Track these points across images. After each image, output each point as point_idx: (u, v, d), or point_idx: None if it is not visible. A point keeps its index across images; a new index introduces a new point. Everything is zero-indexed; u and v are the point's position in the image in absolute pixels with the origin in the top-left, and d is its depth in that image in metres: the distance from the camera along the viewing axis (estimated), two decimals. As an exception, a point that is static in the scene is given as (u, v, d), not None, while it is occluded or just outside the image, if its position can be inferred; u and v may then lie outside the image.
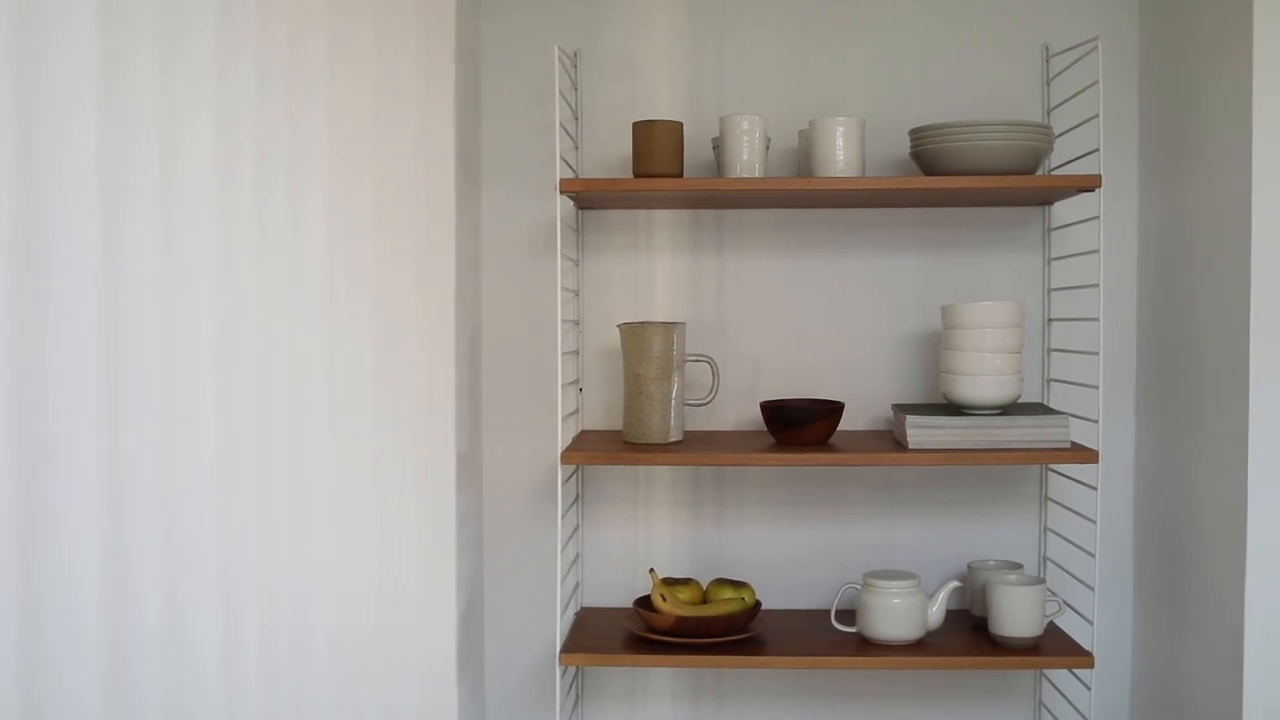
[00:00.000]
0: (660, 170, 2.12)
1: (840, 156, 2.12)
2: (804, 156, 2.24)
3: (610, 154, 2.41)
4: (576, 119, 2.41)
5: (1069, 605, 2.30)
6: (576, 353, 2.43)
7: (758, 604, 2.21)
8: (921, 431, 2.11)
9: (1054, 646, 2.15)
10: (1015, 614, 2.13)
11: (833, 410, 2.17)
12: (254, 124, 1.27)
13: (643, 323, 2.18)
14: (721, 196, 2.18)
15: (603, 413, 2.44)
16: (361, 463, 1.61)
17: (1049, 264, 2.37)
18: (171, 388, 1.11)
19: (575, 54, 2.41)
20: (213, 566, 1.18)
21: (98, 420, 0.97)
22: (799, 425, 2.16)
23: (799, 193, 2.11)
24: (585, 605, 2.45)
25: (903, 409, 2.21)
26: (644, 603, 2.24)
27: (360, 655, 1.61)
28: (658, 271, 2.42)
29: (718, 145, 2.19)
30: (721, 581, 2.27)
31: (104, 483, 0.98)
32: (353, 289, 1.56)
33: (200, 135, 1.15)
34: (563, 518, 2.14)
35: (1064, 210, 2.35)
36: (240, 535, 1.26)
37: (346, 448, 1.55)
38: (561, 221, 2.28)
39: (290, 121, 1.37)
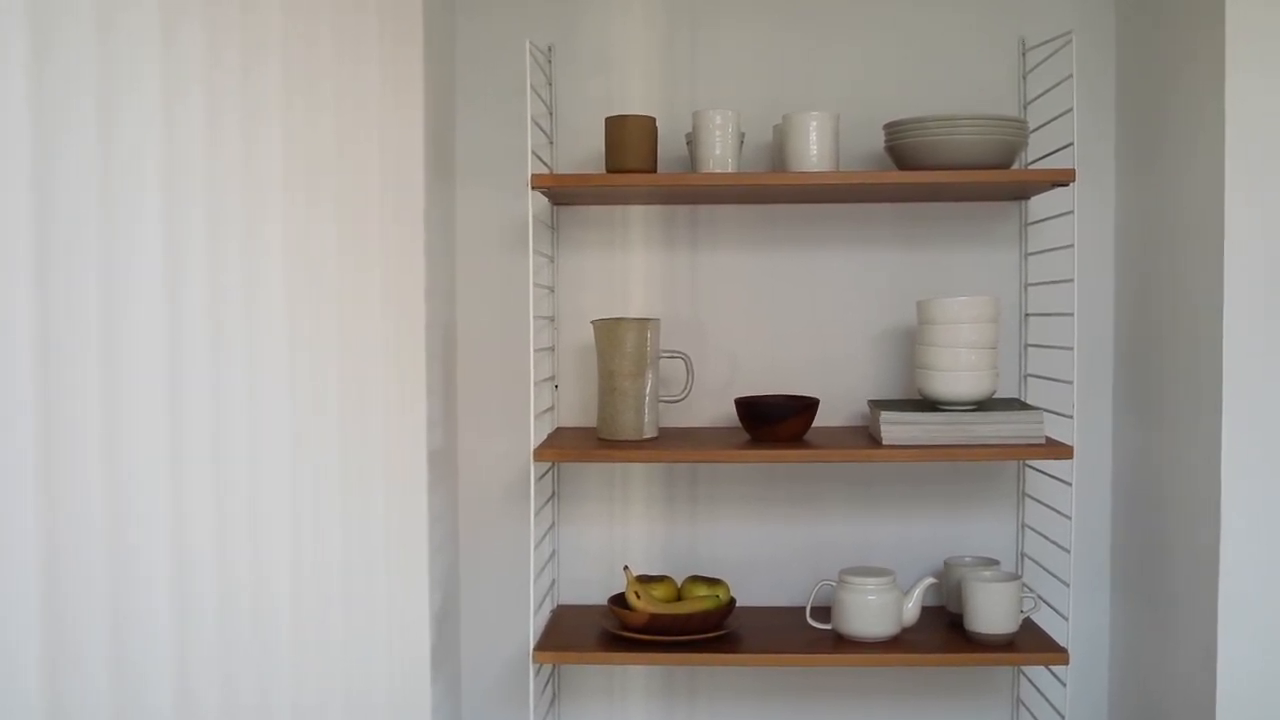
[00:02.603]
0: (633, 165, 2.11)
1: (814, 151, 2.10)
2: (778, 151, 2.22)
3: (586, 150, 2.40)
4: (551, 114, 2.39)
5: (1045, 601, 2.30)
6: (552, 349, 2.41)
7: (732, 601, 2.20)
8: (896, 427, 2.10)
9: (1030, 643, 2.15)
10: (991, 610, 2.13)
11: (807, 406, 2.16)
12: (206, 124, 1.25)
13: (616, 319, 2.16)
14: (695, 191, 2.17)
15: (579, 410, 2.43)
16: (328, 461, 1.59)
17: (1025, 259, 2.37)
18: (120, 389, 1.09)
19: (549, 49, 2.39)
20: (168, 570, 1.17)
21: (37, 408, 0.96)
22: (774, 422, 2.15)
23: (772, 187, 2.10)
24: (561, 603, 2.43)
25: (878, 405, 2.20)
26: (619, 600, 2.22)
27: (332, 655, 1.60)
28: (633, 268, 2.41)
29: (691, 140, 2.18)
30: (696, 579, 2.26)
31: (42, 490, 0.97)
32: (315, 288, 1.55)
33: (149, 136, 1.13)
34: (537, 515, 2.13)
35: (1041, 205, 2.34)
36: (198, 537, 1.24)
37: (311, 447, 1.54)
38: (536, 218, 2.27)
39: (246, 122, 1.35)
